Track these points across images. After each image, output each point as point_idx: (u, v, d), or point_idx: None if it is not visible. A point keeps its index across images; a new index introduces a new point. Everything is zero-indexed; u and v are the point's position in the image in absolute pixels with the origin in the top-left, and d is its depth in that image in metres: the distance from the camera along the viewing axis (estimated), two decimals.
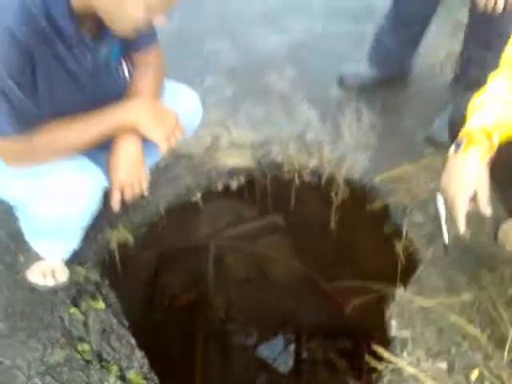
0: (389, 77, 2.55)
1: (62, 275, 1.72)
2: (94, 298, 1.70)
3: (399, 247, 1.97)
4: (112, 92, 1.50)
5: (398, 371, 1.54)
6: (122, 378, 1.53)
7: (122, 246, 1.90)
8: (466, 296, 1.71)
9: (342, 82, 2.58)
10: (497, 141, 1.38)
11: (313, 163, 2.23)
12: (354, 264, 2.30)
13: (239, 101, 2.51)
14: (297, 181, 2.23)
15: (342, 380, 2.52)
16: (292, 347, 2.74)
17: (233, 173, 2.21)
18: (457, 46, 2.38)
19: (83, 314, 1.65)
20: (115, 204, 1.48)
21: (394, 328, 1.66)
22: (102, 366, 1.54)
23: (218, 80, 2.62)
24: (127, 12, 1.21)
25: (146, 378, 1.55)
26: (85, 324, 1.63)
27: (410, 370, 1.53)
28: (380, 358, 1.60)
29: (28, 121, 1.29)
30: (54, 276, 1.70)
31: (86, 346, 1.57)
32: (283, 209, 2.38)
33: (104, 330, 1.62)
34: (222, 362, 2.59)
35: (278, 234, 2.49)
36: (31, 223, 1.58)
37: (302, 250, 2.51)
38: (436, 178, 1.53)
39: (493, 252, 1.77)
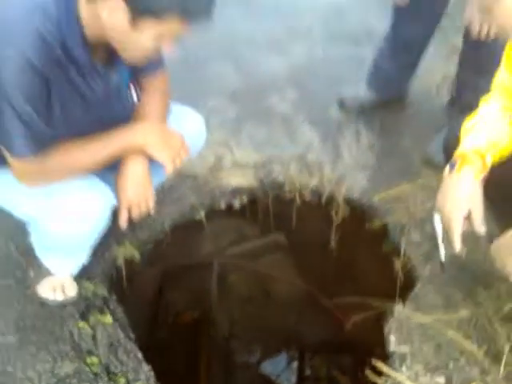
0: (387, 99, 2.61)
1: (71, 290, 1.77)
2: (102, 312, 1.74)
3: (398, 265, 2.01)
4: (121, 115, 1.56)
5: None
6: None
7: (129, 263, 1.94)
8: (463, 312, 1.74)
9: (341, 104, 2.64)
10: (490, 161, 1.44)
11: (313, 183, 2.27)
12: (354, 281, 2.33)
13: (242, 122, 2.56)
14: (298, 200, 2.27)
15: None
16: (295, 364, 2.74)
17: (236, 192, 2.25)
18: (452, 69, 2.44)
19: (92, 327, 1.69)
20: (123, 222, 1.54)
21: (393, 343, 1.69)
22: (110, 379, 1.58)
23: (222, 102, 2.68)
24: (138, 41, 1.27)
25: None
26: (93, 338, 1.67)
27: None
28: (380, 373, 1.62)
29: (42, 142, 1.35)
30: (63, 291, 1.75)
31: (94, 359, 1.61)
32: (285, 227, 2.41)
33: (112, 344, 1.66)
34: (226, 379, 2.60)
35: (280, 252, 2.52)
36: (42, 239, 1.63)
37: (304, 267, 2.53)
38: (433, 198, 1.56)
39: (488, 269, 1.80)
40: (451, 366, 1.60)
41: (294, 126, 2.55)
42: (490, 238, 1.80)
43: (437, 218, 1.56)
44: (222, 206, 2.23)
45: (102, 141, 1.44)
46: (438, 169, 1.79)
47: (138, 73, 1.57)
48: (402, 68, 2.52)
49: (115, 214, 1.55)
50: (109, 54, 1.40)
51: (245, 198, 2.26)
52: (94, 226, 1.52)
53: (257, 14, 3.42)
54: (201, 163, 2.26)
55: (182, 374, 2.42)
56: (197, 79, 2.79)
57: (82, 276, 1.79)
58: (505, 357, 1.58)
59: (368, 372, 1.63)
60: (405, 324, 1.73)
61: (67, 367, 1.59)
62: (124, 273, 1.93)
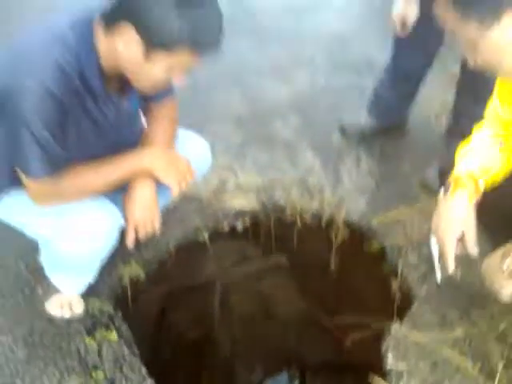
0: (387, 126, 2.67)
1: (78, 307, 1.83)
2: (107, 329, 1.79)
3: (395, 285, 2.04)
4: (130, 140, 1.64)
5: None
6: None
7: (134, 282, 1.99)
8: (459, 331, 1.78)
9: (342, 130, 2.69)
10: (482, 185, 1.49)
11: (314, 206, 2.31)
12: (354, 301, 2.34)
13: (246, 147, 2.62)
14: (299, 223, 2.31)
15: None
16: (297, 383, 2.75)
17: (239, 214, 2.30)
18: (450, 97, 2.50)
19: (98, 343, 1.74)
20: (130, 242, 1.60)
21: (391, 361, 1.71)
22: None
23: (227, 127, 2.75)
24: (151, 73, 1.35)
25: None
26: (99, 353, 1.72)
27: None
28: None
29: (57, 165, 1.42)
30: (70, 308, 1.81)
31: (100, 374, 1.66)
32: (286, 249, 2.44)
33: (117, 359, 1.70)
34: None
35: (282, 274, 2.54)
36: (52, 258, 1.69)
37: (305, 288, 2.55)
38: (430, 221, 1.60)
39: (483, 290, 1.84)
40: (447, 383, 1.64)
41: (296, 151, 2.60)
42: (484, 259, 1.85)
43: (433, 241, 1.59)
44: (226, 228, 2.27)
45: (112, 164, 1.52)
46: (435, 193, 1.85)
47: (147, 100, 1.65)
48: (402, 96, 2.58)
49: (122, 234, 1.61)
50: (122, 83, 1.48)
51: (247, 221, 2.31)
52: (103, 245, 1.58)
53: (262, 44, 3.51)
54: (205, 186, 2.32)
55: None
56: (203, 105, 2.87)
57: (88, 293, 1.84)
58: (498, 374, 1.62)
59: None
60: (402, 342, 1.76)
61: (74, 382, 1.64)
62: (129, 291, 1.98)
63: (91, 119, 1.46)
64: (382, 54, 2.61)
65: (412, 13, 2.16)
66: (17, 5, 3.86)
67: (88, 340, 1.75)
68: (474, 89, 2.26)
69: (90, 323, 1.81)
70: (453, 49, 2.69)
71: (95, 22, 1.35)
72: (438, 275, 1.64)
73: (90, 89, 1.39)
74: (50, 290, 1.81)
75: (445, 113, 2.68)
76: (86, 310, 1.83)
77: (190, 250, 2.19)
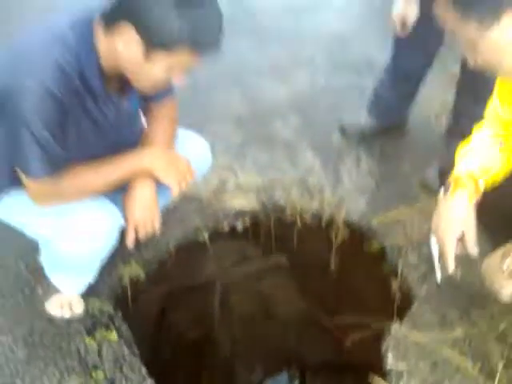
0: (387, 126, 2.67)
1: (78, 307, 1.83)
2: (107, 329, 1.79)
3: (395, 285, 2.05)
4: (130, 139, 1.65)
5: None
6: None
7: (134, 282, 1.99)
8: (459, 331, 1.78)
9: (342, 130, 2.70)
10: (482, 185, 1.50)
11: (314, 206, 2.32)
12: (354, 301, 2.35)
13: (246, 147, 2.63)
14: (299, 222, 2.32)
15: None
16: (297, 383, 2.75)
17: (239, 214, 2.30)
18: (450, 97, 2.50)
19: (98, 343, 1.74)
20: (130, 242, 1.61)
21: (391, 361, 1.72)
22: None
23: (227, 127, 2.76)
24: (151, 73, 1.35)
25: None
26: (99, 353, 1.72)
27: None
28: None
29: (57, 165, 1.42)
30: (70, 308, 1.81)
31: (100, 374, 1.66)
32: (286, 249, 2.45)
33: (117, 359, 1.70)
34: None
35: (282, 274, 2.55)
36: (52, 258, 1.69)
37: (305, 288, 2.56)
38: (429, 221, 1.60)
39: (483, 290, 1.85)
40: (447, 383, 1.64)
41: (296, 151, 2.61)
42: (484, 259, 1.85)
43: (433, 241, 1.60)
44: (226, 228, 2.28)
45: (112, 164, 1.52)
46: (435, 193, 1.86)
47: (147, 100, 1.66)
48: (402, 96, 2.59)
49: (122, 234, 1.61)
50: (122, 83, 1.49)
51: (248, 221, 2.31)
52: (103, 245, 1.59)
53: (262, 44, 3.52)
54: (205, 186, 2.33)
55: None
56: (203, 105, 2.88)
57: (88, 293, 1.85)
58: (498, 374, 1.62)
59: None
60: (402, 342, 1.77)
61: (74, 381, 1.65)
62: (129, 291, 1.98)
63: (91, 119, 1.46)
64: (382, 54, 2.61)
65: (412, 13, 2.17)
66: (17, 5, 3.87)
67: (88, 340, 1.75)
68: (473, 89, 2.26)
69: (90, 323, 1.81)
70: (453, 49, 2.69)
71: (95, 22, 1.35)
72: (438, 275, 1.64)
73: (90, 89, 1.40)
74: (50, 290, 1.82)
75: (445, 113, 2.68)
76: (86, 310, 1.84)
77: (189, 250, 2.19)
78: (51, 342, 1.75)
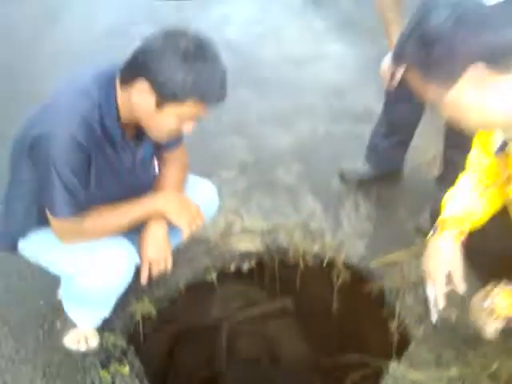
0: (383, 173, 2.77)
1: (94, 341, 1.92)
2: (120, 363, 1.87)
3: (393, 326, 2.12)
4: (144, 183, 1.78)
5: None
6: None
7: (146, 318, 2.08)
8: (454, 370, 1.85)
9: (342, 176, 2.80)
10: (467, 227, 1.61)
11: (315, 249, 2.40)
12: (354, 342, 2.41)
13: (251, 192, 2.72)
14: (301, 264, 2.40)
15: None
16: None
17: (244, 256, 2.39)
18: (441, 147, 2.61)
19: (111, 376, 1.82)
20: (144, 279, 1.72)
21: None
22: None
23: (233, 173, 2.86)
24: (163, 122, 1.48)
25: None
26: None
27: None
28: None
29: (81, 206, 1.55)
30: (86, 342, 1.90)
31: None
32: (289, 290, 2.52)
33: None
34: None
35: (285, 316, 2.60)
36: (73, 294, 1.79)
37: (307, 329, 2.61)
38: None
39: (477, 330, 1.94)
40: None
41: (299, 197, 2.71)
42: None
43: (428, 284, 1.67)
44: (232, 268, 2.36)
45: (129, 206, 1.64)
46: None
47: (160, 148, 1.79)
48: (396, 146, 2.69)
49: (135, 272, 1.71)
50: (138, 132, 1.62)
51: (253, 262, 2.40)
52: (121, 280, 1.69)
53: (263, 94, 3.64)
54: (213, 228, 2.42)
55: None
56: (211, 152, 2.99)
57: (103, 328, 1.94)
58: None
59: None
60: (400, 381, 1.83)
61: None
62: (141, 327, 2.06)
63: (110, 164, 1.59)
64: (379, 104, 2.71)
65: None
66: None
67: (102, 373, 1.83)
68: (460, 140, 2.32)
69: (104, 357, 1.89)
70: None
71: (115, 76, 1.50)
72: (434, 316, 1.70)
73: (110, 136, 1.53)
74: (68, 325, 1.91)
75: (437, 161, 2.78)
76: (101, 344, 1.92)
77: (198, 289, 2.27)
78: (68, 373, 1.83)
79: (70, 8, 5.03)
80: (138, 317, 2.06)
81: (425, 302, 1.95)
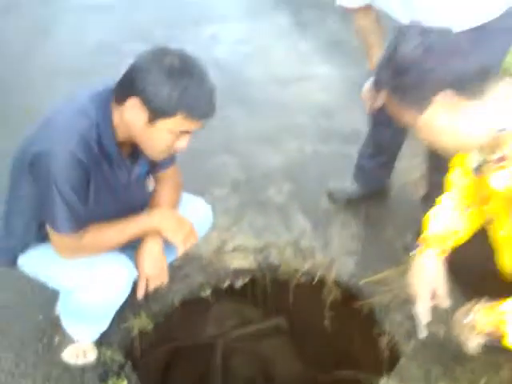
0: (371, 192, 2.84)
1: (92, 355, 1.95)
2: (118, 377, 1.90)
3: (383, 342, 2.18)
4: (140, 201, 1.83)
5: None
6: None
7: (143, 333, 2.11)
8: None
9: (331, 196, 2.85)
10: (449, 245, 1.68)
11: (306, 266, 2.45)
12: (346, 358, 2.46)
13: (243, 210, 2.78)
14: (293, 282, 2.45)
15: None
16: None
17: (237, 273, 2.43)
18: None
19: None
20: (140, 293, 1.76)
21: None
22: None
23: (225, 191, 2.91)
24: (155, 136, 1.53)
25: None
26: None
27: None
28: None
29: (80, 222, 1.59)
30: (84, 356, 1.93)
31: None
32: (281, 307, 2.57)
33: None
34: None
35: (278, 332, 2.64)
36: (71, 309, 1.81)
37: (300, 347, 2.65)
38: None
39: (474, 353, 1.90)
40: None
41: (289, 215, 2.76)
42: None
43: (416, 301, 1.71)
44: (225, 285, 2.40)
45: (126, 223, 1.69)
46: None
47: (155, 167, 1.85)
48: (381, 167, 2.76)
49: (133, 288, 1.76)
50: (133, 150, 1.68)
51: (245, 279, 2.44)
52: (120, 295, 1.74)
53: (252, 113, 3.70)
54: (206, 246, 2.46)
55: None
56: (203, 171, 3.03)
57: (101, 343, 1.96)
58: None
59: None
60: None
61: None
62: (138, 342, 2.09)
63: (106, 181, 1.64)
64: (365, 124, 2.75)
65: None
66: None
67: None
68: (441, 162, 2.41)
69: (102, 371, 1.92)
70: None
71: (111, 96, 1.56)
72: (421, 332, 1.76)
73: (107, 154, 1.58)
74: (66, 339, 1.94)
75: (423, 181, 2.83)
76: (99, 358, 1.95)
77: (193, 306, 2.31)
78: None
79: (61, 22, 5.10)
80: (135, 332, 2.09)
81: (413, 318, 1.95)
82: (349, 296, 2.38)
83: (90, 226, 1.63)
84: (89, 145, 1.51)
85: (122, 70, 1.52)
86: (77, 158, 1.49)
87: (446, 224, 1.72)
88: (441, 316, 1.73)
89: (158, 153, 1.61)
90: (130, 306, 2.03)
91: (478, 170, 1.52)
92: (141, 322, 2.10)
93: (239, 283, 2.43)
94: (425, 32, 1.36)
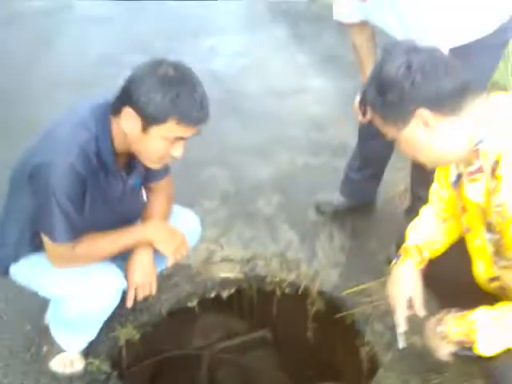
0: (357, 204, 2.89)
1: (79, 364, 2.01)
2: None
3: (363, 352, 2.23)
4: (133, 211, 1.90)
5: None
6: None
7: (130, 344, 2.17)
8: None
9: (318, 208, 2.90)
10: (427, 255, 1.74)
11: (291, 277, 2.51)
12: (327, 368, 2.51)
13: (232, 221, 2.84)
14: (278, 292, 2.51)
15: None
16: None
17: (224, 283, 2.49)
18: None
19: None
20: (129, 302, 1.83)
21: None
22: None
23: (215, 203, 2.96)
24: (150, 143, 1.59)
25: None
26: None
27: None
28: None
29: (76, 232, 1.66)
30: (72, 365, 1.99)
31: None
32: (266, 317, 2.63)
33: None
34: None
35: (264, 343, 2.69)
36: (61, 318, 1.87)
37: (284, 358, 2.71)
38: None
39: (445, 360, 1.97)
40: None
41: (277, 227, 2.82)
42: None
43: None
44: (212, 295, 2.46)
45: (119, 234, 1.76)
46: None
47: (148, 178, 1.91)
48: (368, 179, 2.81)
49: (121, 297, 1.82)
50: (129, 162, 1.76)
51: (232, 289, 2.50)
52: (110, 304, 1.80)
53: (246, 125, 3.76)
54: (195, 256, 2.52)
55: None
56: (194, 182, 3.09)
57: (88, 353, 2.03)
58: None
59: None
60: None
61: None
62: (125, 352, 2.16)
63: (102, 191, 1.70)
64: (354, 138, 2.80)
65: None
66: None
67: None
68: (424, 176, 2.42)
69: (89, 380, 1.98)
70: None
71: (110, 108, 1.63)
72: (400, 343, 1.81)
73: (104, 165, 1.65)
74: (54, 349, 2.00)
75: (407, 195, 2.91)
76: (86, 368, 2.01)
77: (180, 316, 2.36)
78: None
79: (63, 34, 5.20)
80: (122, 342, 2.15)
81: (393, 329, 2.01)
82: (332, 307, 2.43)
83: (84, 235, 1.70)
84: (88, 157, 1.58)
85: (122, 81, 1.59)
86: (75, 171, 1.55)
87: (425, 235, 1.78)
88: (418, 327, 1.76)
89: (154, 161, 1.67)
90: (117, 316, 2.10)
91: (456, 182, 1.59)
92: (128, 332, 2.16)
93: (226, 293, 2.49)
94: (410, 51, 1.43)
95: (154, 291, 1.87)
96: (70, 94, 3.85)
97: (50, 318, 1.98)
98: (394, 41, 1.64)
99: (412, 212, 2.58)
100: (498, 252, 1.50)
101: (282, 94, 4.22)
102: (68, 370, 1.99)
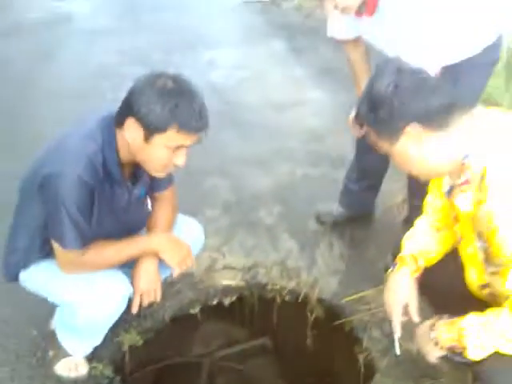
0: (356, 215, 2.93)
1: (83, 369, 2.06)
2: None
3: (361, 358, 2.27)
4: (138, 221, 1.96)
5: None
6: None
7: (133, 349, 2.21)
8: None
9: (318, 218, 2.94)
10: (422, 264, 1.80)
11: (292, 285, 2.55)
12: (328, 374, 2.55)
13: (234, 230, 2.89)
14: (278, 299, 2.56)
15: None
16: None
17: (226, 291, 2.54)
18: None
19: None
20: (135, 308, 1.88)
21: None
22: None
23: (217, 212, 3.02)
24: (153, 152, 1.64)
25: None
26: None
27: None
28: None
29: (85, 240, 1.71)
30: (76, 369, 2.04)
31: None
32: (267, 324, 2.66)
33: None
34: None
35: (264, 351, 2.73)
36: (68, 323, 1.92)
37: (284, 365, 2.74)
38: None
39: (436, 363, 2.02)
40: None
41: (277, 236, 2.87)
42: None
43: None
44: (214, 302, 2.51)
45: (126, 243, 1.82)
46: None
47: (153, 188, 1.97)
48: (366, 190, 2.86)
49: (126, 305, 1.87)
50: (134, 172, 1.81)
51: (234, 297, 2.55)
52: (117, 310, 1.85)
53: (246, 137, 3.82)
54: (198, 264, 2.56)
55: None
56: (197, 192, 3.15)
57: (92, 357, 2.07)
58: None
59: None
60: None
61: None
62: (128, 358, 2.19)
63: (108, 201, 1.76)
64: (352, 149, 2.84)
65: None
66: None
67: None
68: (421, 188, 2.51)
69: None
70: None
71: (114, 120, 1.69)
72: (397, 349, 1.86)
73: (110, 175, 1.71)
74: (60, 353, 2.05)
75: (404, 204, 2.98)
76: (90, 372, 2.05)
77: (183, 322, 2.40)
78: None
79: (65, 46, 5.28)
80: (126, 347, 2.19)
81: (390, 335, 2.11)
82: (331, 314, 2.47)
83: (92, 243, 1.75)
84: (95, 168, 1.64)
85: (122, 93, 1.65)
86: (84, 181, 1.61)
87: (421, 245, 1.84)
88: (413, 333, 1.81)
89: (158, 169, 1.72)
90: (122, 322, 2.13)
91: (449, 193, 1.65)
92: (131, 338, 2.20)
93: (227, 301, 2.53)
94: (398, 70, 1.50)
95: (158, 298, 1.92)
96: (70, 105, 3.92)
97: (56, 323, 2.02)
98: (386, 58, 1.71)
99: (410, 222, 2.57)
100: (488, 259, 1.56)
101: (281, 106, 4.28)
102: (73, 374, 2.03)
